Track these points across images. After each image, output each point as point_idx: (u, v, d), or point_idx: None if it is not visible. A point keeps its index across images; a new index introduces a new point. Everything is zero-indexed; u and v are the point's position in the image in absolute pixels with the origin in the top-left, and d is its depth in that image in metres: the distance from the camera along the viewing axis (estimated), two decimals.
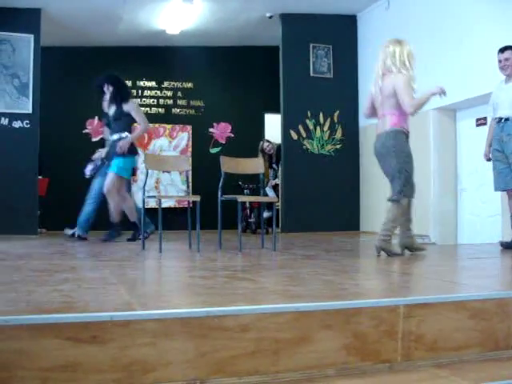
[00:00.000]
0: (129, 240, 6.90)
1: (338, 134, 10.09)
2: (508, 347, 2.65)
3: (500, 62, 5.83)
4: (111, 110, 7.10)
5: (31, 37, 8.83)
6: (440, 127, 8.09)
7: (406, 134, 5.07)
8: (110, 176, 6.81)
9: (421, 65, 8.43)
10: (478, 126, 7.69)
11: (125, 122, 6.98)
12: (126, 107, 6.97)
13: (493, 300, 2.69)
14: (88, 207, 7.28)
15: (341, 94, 10.09)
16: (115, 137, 6.97)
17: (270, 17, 9.97)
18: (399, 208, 4.98)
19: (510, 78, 5.81)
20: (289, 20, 9.98)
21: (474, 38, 7.45)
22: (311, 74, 9.98)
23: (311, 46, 9.99)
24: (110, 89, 7.09)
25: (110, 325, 2.05)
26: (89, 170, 7.54)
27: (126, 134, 6.92)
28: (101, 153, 7.54)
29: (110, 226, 7.03)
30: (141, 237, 6.08)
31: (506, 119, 5.70)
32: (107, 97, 7.16)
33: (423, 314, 2.48)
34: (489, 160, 6.06)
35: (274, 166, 10.16)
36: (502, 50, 5.84)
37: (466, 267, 4.70)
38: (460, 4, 7.75)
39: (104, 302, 2.52)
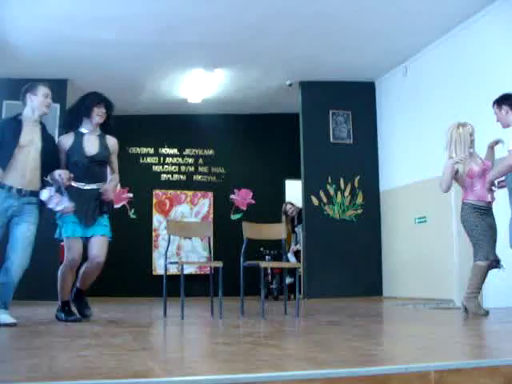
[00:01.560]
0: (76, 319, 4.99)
1: (359, 199, 10.08)
2: None
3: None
4: (94, 147, 5.12)
5: (57, 106, 9.03)
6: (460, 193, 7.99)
7: (475, 206, 5.66)
8: (106, 241, 5.06)
9: (439, 128, 8.53)
10: (499, 187, 7.62)
11: (106, 168, 5.29)
12: (113, 143, 5.27)
13: None
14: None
15: (361, 159, 10.13)
16: (94, 187, 5.05)
17: (290, 84, 10.15)
18: (475, 269, 5.55)
19: None
20: (308, 87, 10.14)
21: (494, 97, 7.48)
22: (331, 140, 10.05)
23: (331, 112, 10.10)
24: (104, 115, 5.18)
25: None
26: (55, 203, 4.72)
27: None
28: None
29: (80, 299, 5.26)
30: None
31: None
32: (95, 121, 5.14)
33: (456, 380, 2.40)
34: None
35: (297, 229, 10.14)
36: (492, 105, 5.83)
37: (496, 331, 4.59)
38: (478, 64, 7.82)
39: (128, 368, 2.47)
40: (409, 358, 2.91)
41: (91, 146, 5.08)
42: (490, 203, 5.70)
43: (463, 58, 8.14)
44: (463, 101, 8.04)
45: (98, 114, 5.10)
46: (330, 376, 2.22)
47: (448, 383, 2.38)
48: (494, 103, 5.77)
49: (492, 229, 5.62)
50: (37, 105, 4.90)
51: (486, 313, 5.39)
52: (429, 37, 8.54)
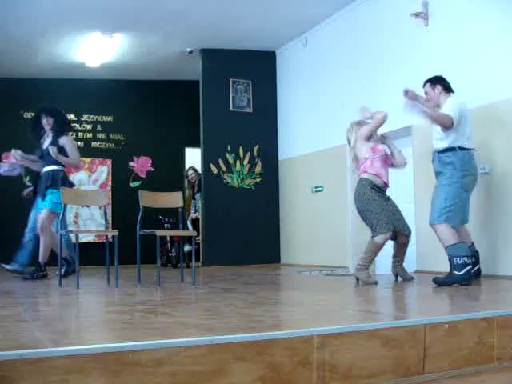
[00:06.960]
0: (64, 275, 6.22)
1: (258, 168, 10.21)
2: (419, 373, 2.73)
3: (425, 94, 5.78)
4: (46, 143, 6.86)
5: None
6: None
7: (372, 182, 5.74)
8: (45, 213, 6.50)
9: (337, 100, 8.73)
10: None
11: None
12: (61, 141, 6.77)
13: (404, 328, 2.77)
14: (29, 244, 7.03)
15: (260, 128, 10.23)
16: (46, 169, 6.70)
17: (191, 52, 10.07)
18: (372, 245, 5.70)
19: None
20: (209, 55, 10.10)
21: (390, 72, 7.73)
22: (231, 109, 10.09)
23: (231, 80, 10.13)
24: (50, 121, 6.96)
25: (19, 363, 2.00)
26: (3, 169, 7.38)
27: (60, 167, 6.70)
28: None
29: (37, 264, 6.51)
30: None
31: (434, 151, 5.60)
32: (46, 128, 6.95)
33: (337, 343, 2.54)
34: None
35: (196, 196, 10.16)
36: (423, 84, 5.79)
37: (382, 297, 4.82)
38: (376, 38, 8.04)
39: (15, 339, 2.45)
40: (294, 323, 3.03)
41: None
42: (386, 185, 5.81)
43: (361, 32, 8.34)
44: (360, 74, 8.26)
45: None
46: (216, 342, 2.29)
47: (330, 346, 2.51)
48: (427, 82, 5.72)
49: (391, 205, 5.79)
50: None
51: (375, 282, 5.60)
52: (328, 9, 8.67)
